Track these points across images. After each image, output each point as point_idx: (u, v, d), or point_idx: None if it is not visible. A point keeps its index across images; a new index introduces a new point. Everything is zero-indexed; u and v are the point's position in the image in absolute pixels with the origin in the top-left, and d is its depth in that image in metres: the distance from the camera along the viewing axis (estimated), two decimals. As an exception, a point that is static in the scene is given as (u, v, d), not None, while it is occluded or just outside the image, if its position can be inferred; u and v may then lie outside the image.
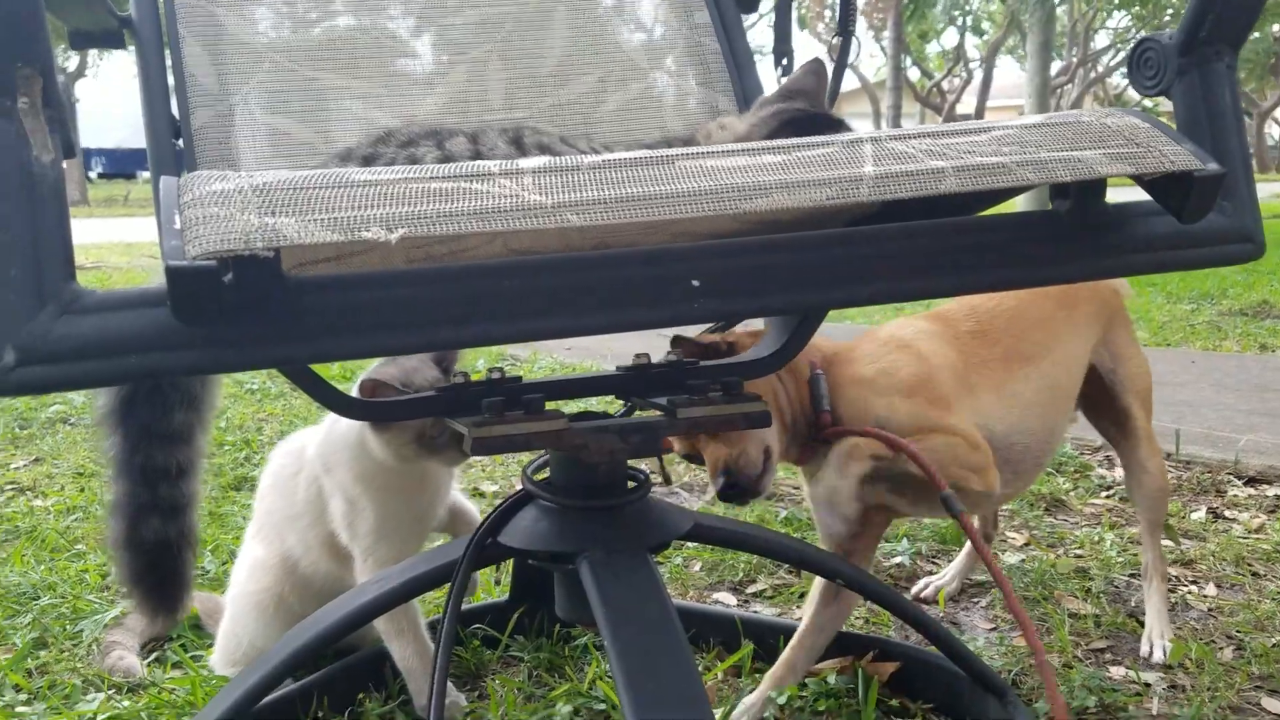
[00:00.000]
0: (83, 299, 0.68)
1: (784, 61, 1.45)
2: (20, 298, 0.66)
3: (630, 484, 1.14)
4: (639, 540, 1.10)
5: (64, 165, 0.71)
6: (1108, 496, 2.36)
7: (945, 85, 27.34)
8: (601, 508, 1.12)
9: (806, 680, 1.42)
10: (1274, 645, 1.56)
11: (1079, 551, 2.03)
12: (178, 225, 0.65)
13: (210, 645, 1.53)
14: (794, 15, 1.46)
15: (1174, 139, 0.84)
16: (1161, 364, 3.89)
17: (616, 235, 0.88)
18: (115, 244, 11.53)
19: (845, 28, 1.42)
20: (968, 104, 27.90)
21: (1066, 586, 1.83)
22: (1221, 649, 1.58)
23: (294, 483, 1.43)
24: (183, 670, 1.48)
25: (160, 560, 1.28)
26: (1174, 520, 2.15)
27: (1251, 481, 2.42)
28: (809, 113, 1.14)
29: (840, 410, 1.34)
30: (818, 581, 1.42)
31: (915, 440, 1.26)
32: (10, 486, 2.56)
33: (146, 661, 1.54)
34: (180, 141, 1.30)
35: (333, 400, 1.09)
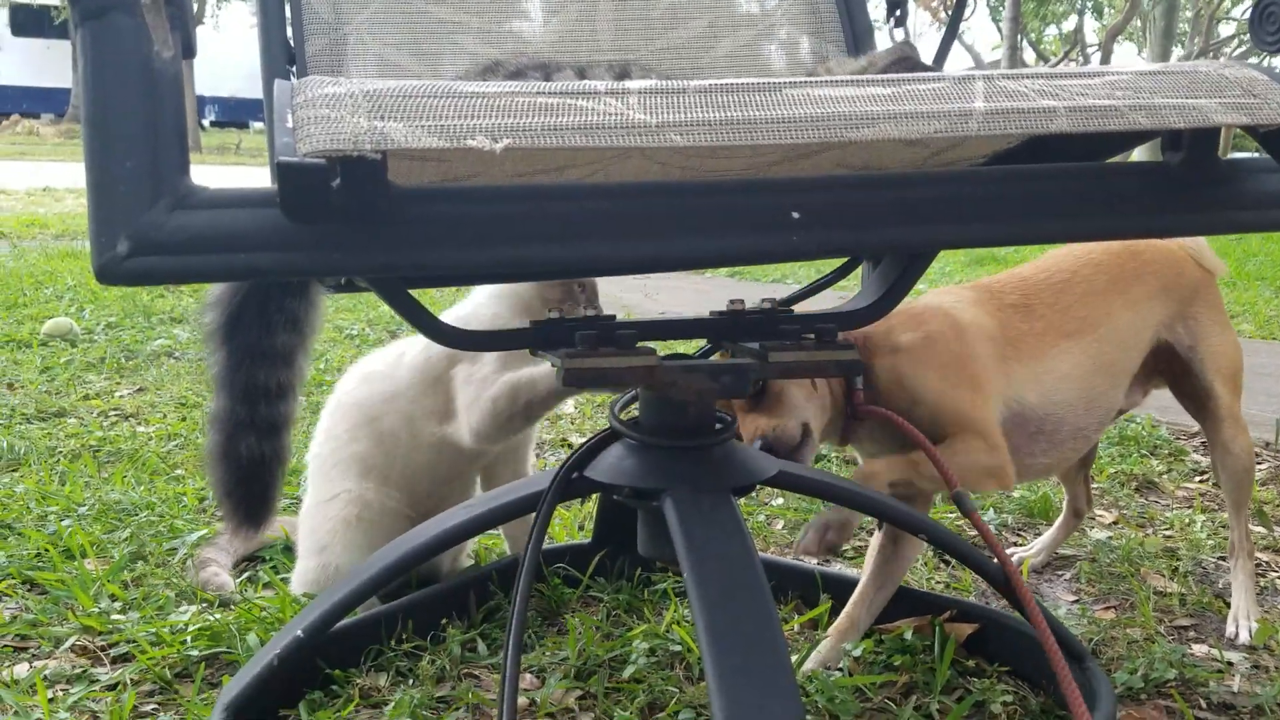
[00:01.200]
0: (196, 194, 0.70)
1: (897, 13, 1.42)
2: (136, 189, 0.68)
3: (717, 425, 1.14)
4: (723, 481, 1.11)
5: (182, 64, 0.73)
6: (1201, 481, 2.30)
7: (1062, 68, 26.63)
8: (688, 447, 1.13)
9: (883, 636, 1.41)
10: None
11: (1168, 532, 1.98)
12: (289, 124, 0.66)
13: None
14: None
15: (1297, 90, 0.81)
16: (1267, 356, 3.78)
17: (719, 164, 0.87)
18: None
19: (961, -19, 1.40)
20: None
21: (1153, 565, 1.78)
22: (1315, 635, 1.53)
23: (392, 371, 1.50)
24: (273, 591, 1.52)
25: (253, 476, 1.31)
26: (1269, 508, 2.08)
27: (1356, 474, 2.34)
28: (923, 64, 1.13)
29: (873, 378, 1.34)
30: (875, 536, 1.42)
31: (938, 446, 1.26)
32: (115, 413, 2.66)
33: (239, 580, 1.59)
34: (294, 69, 1.32)
35: (427, 325, 1.10)
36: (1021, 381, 1.40)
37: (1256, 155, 0.84)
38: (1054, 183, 0.83)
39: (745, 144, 0.72)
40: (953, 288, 1.49)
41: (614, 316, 1.14)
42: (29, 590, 1.55)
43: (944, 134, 0.74)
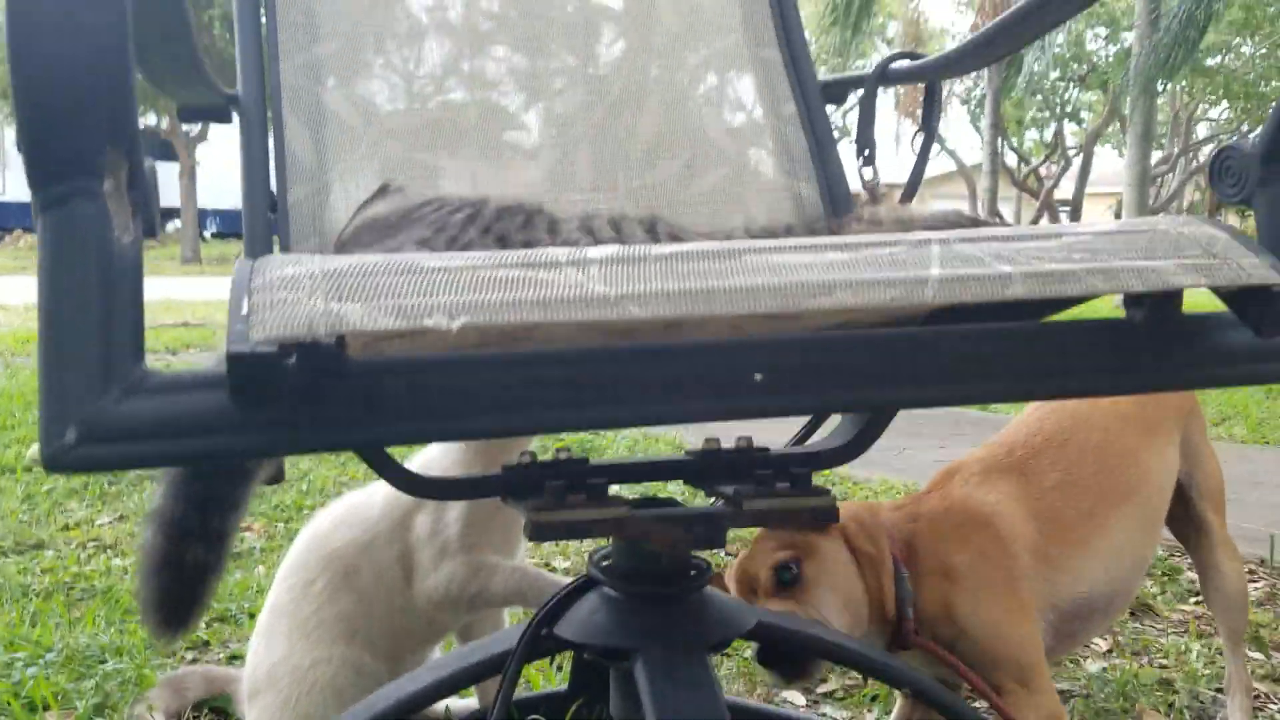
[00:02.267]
0: (148, 380, 0.69)
1: (866, 152, 1.44)
2: (87, 377, 0.68)
3: (691, 572, 1.13)
4: (698, 638, 1.09)
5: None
6: (1196, 602, 2.27)
7: (1043, 171, 27.10)
8: (662, 596, 1.11)
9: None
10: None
11: (1164, 661, 1.95)
12: (244, 310, 0.66)
13: None
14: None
15: (1253, 250, 0.81)
16: (1259, 463, 3.76)
17: (682, 324, 0.88)
18: (222, 302, 11.89)
19: (929, 124, 1.42)
20: (1065, 190, 27.60)
21: (1149, 699, 1.75)
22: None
23: (366, 514, 1.46)
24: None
25: (191, 584, 1.26)
26: (1265, 632, 2.05)
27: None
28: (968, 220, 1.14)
29: (920, 599, 1.30)
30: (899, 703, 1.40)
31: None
32: (93, 544, 2.63)
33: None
34: (275, 215, 1.34)
35: (395, 476, 1.10)
36: (1073, 579, 1.36)
37: (1224, 311, 0.84)
38: (1016, 342, 0.83)
39: (703, 315, 0.72)
40: (993, 470, 1.41)
41: (586, 459, 1.13)
42: (-7, 742, 1.51)
43: (899, 302, 0.74)
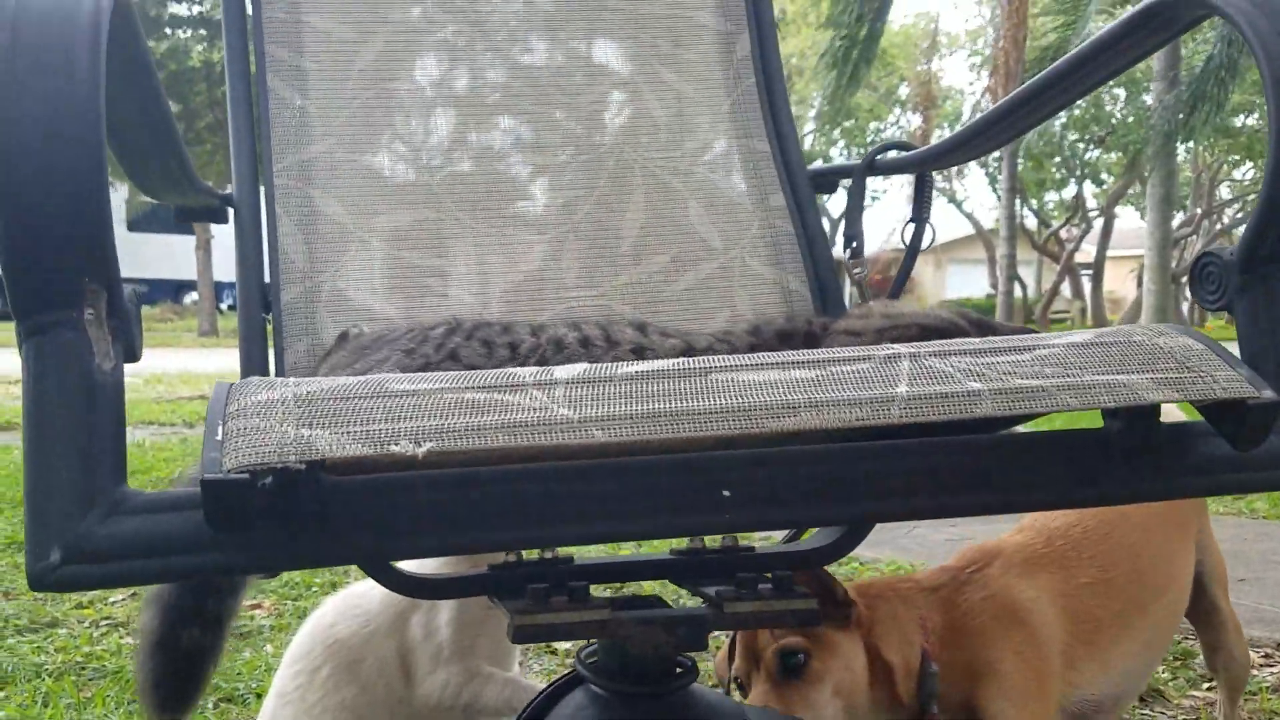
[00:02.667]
0: (129, 501, 0.71)
1: (854, 244, 1.47)
2: (70, 500, 0.70)
3: (677, 670, 1.13)
4: (685, 743, 1.09)
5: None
6: (1208, 688, 2.23)
7: (1064, 234, 27.12)
8: (647, 695, 1.12)
9: None
10: None
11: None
12: (219, 436, 0.68)
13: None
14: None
15: (1229, 363, 0.82)
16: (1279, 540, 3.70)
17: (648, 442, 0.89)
18: (236, 374, 11.98)
19: (919, 213, 1.44)
20: (1087, 253, 27.59)
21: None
22: None
23: (368, 604, 1.46)
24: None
25: (188, 666, 1.27)
26: (1280, 719, 2.02)
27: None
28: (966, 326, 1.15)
29: (947, 692, 1.28)
30: None
31: None
32: (106, 622, 2.64)
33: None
34: (270, 316, 1.37)
35: (384, 575, 1.11)
36: (1088, 681, 1.34)
37: (1199, 421, 0.85)
38: (992, 455, 0.84)
39: (666, 439, 0.73)
40: (1029, 562, 1.38)
41: (571, 558, 1.14)
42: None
43: (865, 422, 0.75)
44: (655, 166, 1.53)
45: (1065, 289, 27.48)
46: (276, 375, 1.32)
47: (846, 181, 1.56)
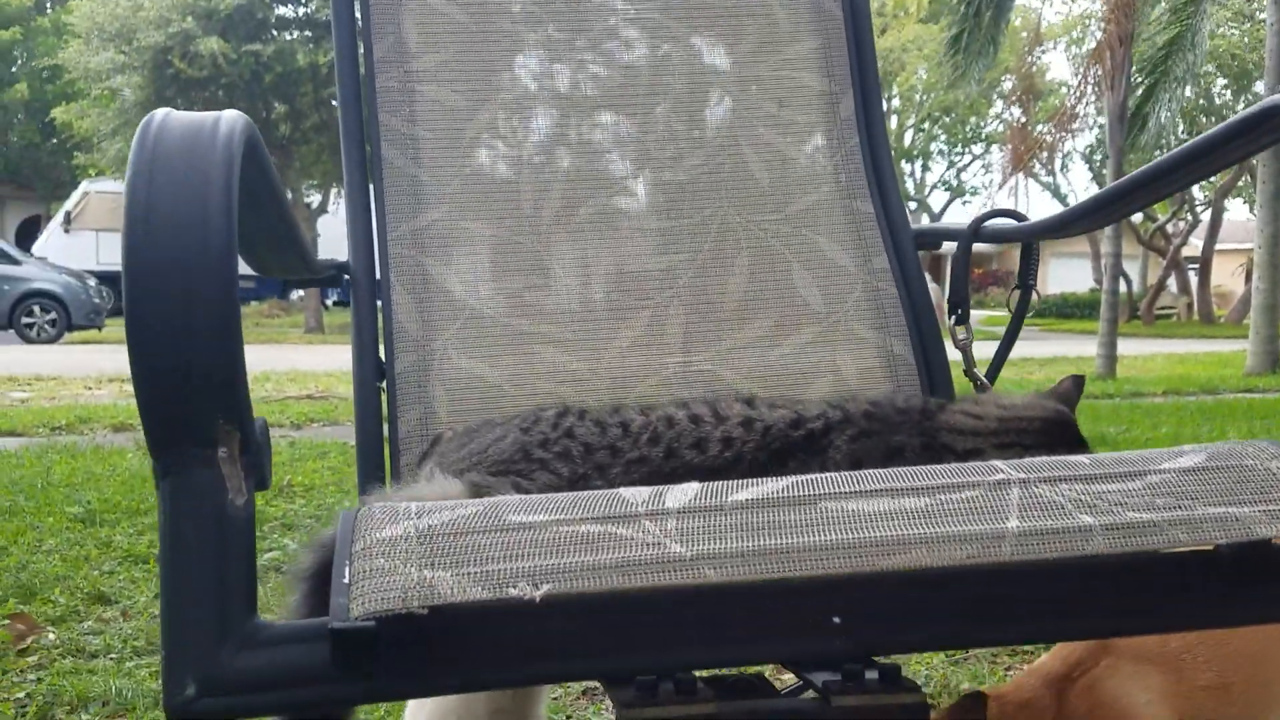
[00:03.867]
0: (260, 633, 0.75)
1: (959, 310, 1.45)
2: (204, 633, 0.73)
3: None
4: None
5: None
6: None
7: (1170, 228, 26.33)
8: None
9: None
10: None
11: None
12: (345, 579, 0.71)
13: None
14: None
15: (1345, 490, 0.80)
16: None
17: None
18: (344, 373, 12.23)
19: (1025, 280, 1.43)
20: (1194, 247, 26.78)
21: None
22: None
23: None
24: None
25: None
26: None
27: None
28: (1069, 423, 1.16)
29: None
30: None
31: None
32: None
33: None
34: (384, 384, 1.41)
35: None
36: None
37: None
38: (1101, 579, 0.83)
39: (777, 577, 0.74)
40: (1145, 657, 1.32)
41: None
42: None
43: (975, 560, 0.75)
44: (758, 230, 1.53)
45: (1171, 284, 26.68)
46: (390, 445, 1.36)
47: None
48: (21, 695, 2.33)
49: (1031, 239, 1.39)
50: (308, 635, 0.75)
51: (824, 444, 1.08)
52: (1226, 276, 29.69)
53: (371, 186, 1.51)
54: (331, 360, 13.76)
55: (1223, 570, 0.83)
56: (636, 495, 0.80)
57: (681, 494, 0.80)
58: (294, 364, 12.51)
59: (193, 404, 0.74)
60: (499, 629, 0.77)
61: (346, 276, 1.48)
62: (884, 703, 1.07)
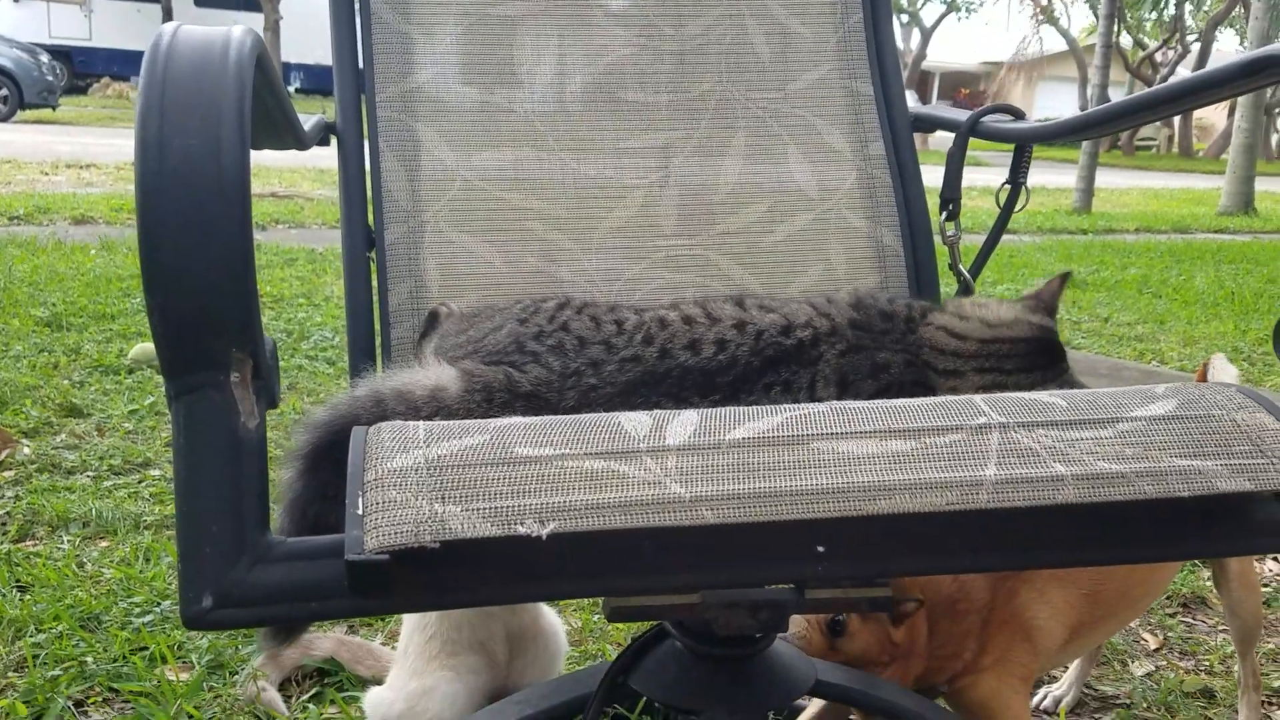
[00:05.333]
0: (274, 549, 0.78)
1: (950, 207, 1.46)
2: (220, 549, 0.77)
3: (758, 635, 1.21)
4: (760, 700, 1.18)
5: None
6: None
7: (1159, 57, 25.90)
8: (728, 657, 1.20)
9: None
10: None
11: (1208, 664, 2.00)
12: (359, 510, 0.74)
13: (360, 685, 1.68)
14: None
15: (1306, 446, 0.85)
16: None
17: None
18: (310, 169, 12.00)
19: (1015, 178, 1.43)
20: (1181, 77, 26.43)
21: (1189, 713, 1.82)
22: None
23: None
24: (337, 709, 1.63)
25: None
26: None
27: None
28: (1054, 342, 1.19)
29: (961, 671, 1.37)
30: None
31: None
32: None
33: (306, 696, 1.70)
34: (374, 253, 1.41)
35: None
36: (1055, 659, 1.44)
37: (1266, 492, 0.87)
38: (1068, 517, 0.88)
39: (770, 519, 0.78)
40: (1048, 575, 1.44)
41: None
42: (114, 695, 1.67)
43: (954, 506, 0.80)
44: (758, 109, 1.52)
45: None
46: (381, 318, 1.37)
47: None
48: (1, 513, 2.39)
49: (1025, 142, 1.39)
50: (321, 552, 0.79)
51: (814, 355, 1.11)
52: (1209, 109, 29.45)
53: (360, 43, 1.47)
54: (295, 155, 13.41)
55: (1182, 513, 0.88)
56: (638, 428, 0.83)
57: (681, 428, 0.83)
58: (256, 159, 12.18)
59: (207, 334, 0.76)
60: (505, 554, 0.81)
61: (335, 137, 1.46)
62: (853, 596, 1.14)
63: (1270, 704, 1.86)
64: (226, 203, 0.74)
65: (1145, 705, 1.84)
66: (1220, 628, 2.17)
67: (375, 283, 1.39)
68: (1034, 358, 1.14)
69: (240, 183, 0.74)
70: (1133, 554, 0.91)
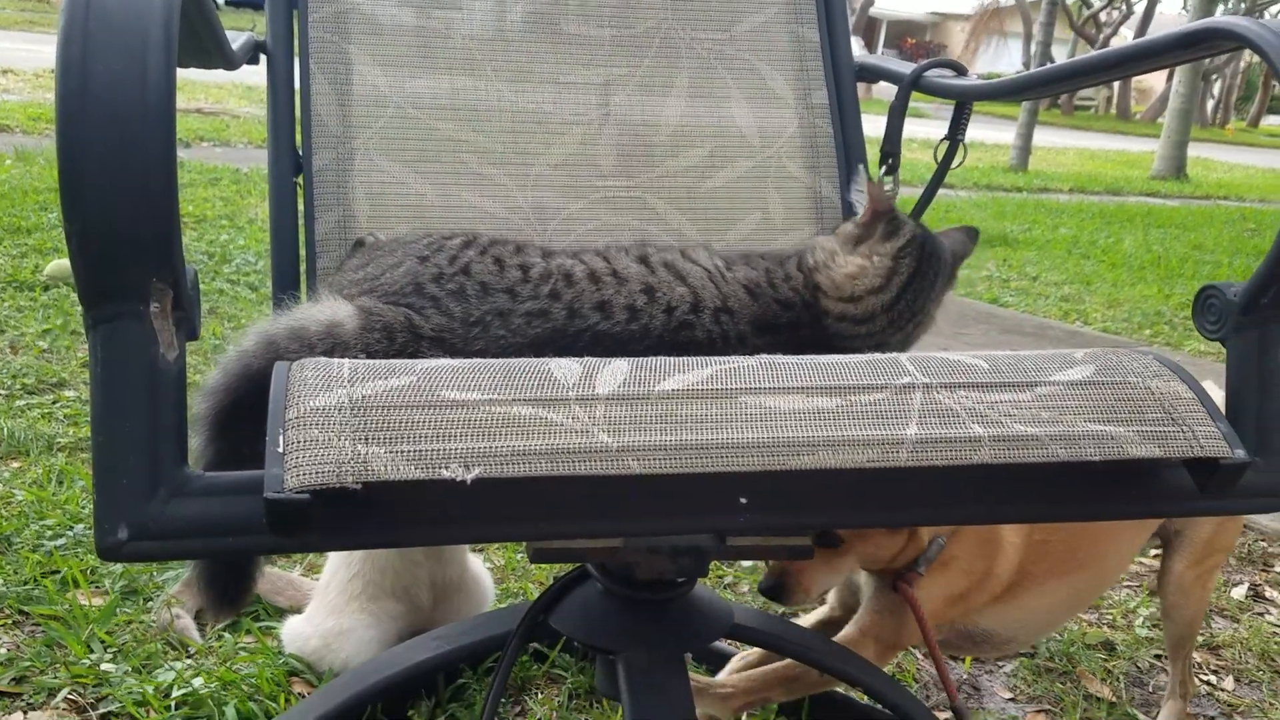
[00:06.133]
0: (192, 483, 0.77)
1: (889, 160, 1.46)
2: (136, 482, 0.75)
3: (679, 579, 1.22)
4: (678, 642, 1.19)
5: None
6: (1155, 555, 2.38)
7: (1103, 17, 26.10)
8: (647, 601, 1.21)
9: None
10: (1278, 768, 1.61)
11: (1111, 617, 2.07)
12: (280, 449, 0.73)
13: (279, 616, 1.67)
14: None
15: (1211, 415, 0.87)
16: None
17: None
18: (238, 85, 11.68)
19: (954, 135, 1.43)
20: (1125, 38, 26.68)
21: (1090, 663, 1.88)
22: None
23: None
24: (253, 640, 1.62)
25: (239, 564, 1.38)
26: (1212, 595, 2.17)
27: (1304, 560, 2.42)
28: (927, 239, 1.20)
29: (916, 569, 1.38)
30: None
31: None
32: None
33: (222, 625, 1.68)
34: (301, 179, 1.37)
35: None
36: (990, 616, 1.47)
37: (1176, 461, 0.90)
38: (984, 475, 0.89)
39: (696, 471, 0.78)
40: None
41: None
42: (23, 619, 1.65)
43: (875, 464, 0.80)
44: (702, 49, 1.50)
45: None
46: (307, 246, 1.34)
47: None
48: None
49: (967, 99, 1.39)
50: (240, 488, 0.77)
51: (728, 335, 1.10)
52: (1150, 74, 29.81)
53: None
54: (224, 73, 12.96)
55: (1092, 476, 0.90)
56: (568, 375, 0.83)
57: (611, 378, 0.83)
58: (183, 75, 11.84)
59: (126, 263, 0.73)
60: (428, 497, 0.80)
61: (265, 56, 1.41)
62: (773, 544, 1.15)
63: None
64: (150, 132, 0.71)
65: (1049, 655, 1.90)
66: (1124, 583, 2.24)
67: (302, 209, 1.36)
68: (928, 275, 1.17)
69: (165, 111, 0.71)
70: (1044, 513, 0.92)
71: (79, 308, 0.71)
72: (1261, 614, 2.13)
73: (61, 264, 3.70)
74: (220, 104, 10.02)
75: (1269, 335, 0.94)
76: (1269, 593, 2.23)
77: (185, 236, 4.47)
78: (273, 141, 1.37)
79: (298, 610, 1.62)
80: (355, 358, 0.86)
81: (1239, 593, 2.21)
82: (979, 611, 1.44)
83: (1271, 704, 1.79)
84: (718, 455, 0.79)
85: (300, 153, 1.37)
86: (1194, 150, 13.75)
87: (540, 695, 1.58)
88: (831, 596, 1.55)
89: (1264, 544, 2.46)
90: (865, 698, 1.53)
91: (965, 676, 1.82)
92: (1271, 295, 0.92)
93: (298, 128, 1.39)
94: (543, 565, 1.91)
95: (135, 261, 0.74)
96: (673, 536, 1.18)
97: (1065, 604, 1.53)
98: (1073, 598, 1.53)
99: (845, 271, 1.17)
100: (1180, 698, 1.67)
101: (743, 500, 0.85)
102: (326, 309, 1.03)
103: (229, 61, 1.22)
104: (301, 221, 1.36)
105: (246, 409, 0.92)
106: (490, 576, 1.70)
